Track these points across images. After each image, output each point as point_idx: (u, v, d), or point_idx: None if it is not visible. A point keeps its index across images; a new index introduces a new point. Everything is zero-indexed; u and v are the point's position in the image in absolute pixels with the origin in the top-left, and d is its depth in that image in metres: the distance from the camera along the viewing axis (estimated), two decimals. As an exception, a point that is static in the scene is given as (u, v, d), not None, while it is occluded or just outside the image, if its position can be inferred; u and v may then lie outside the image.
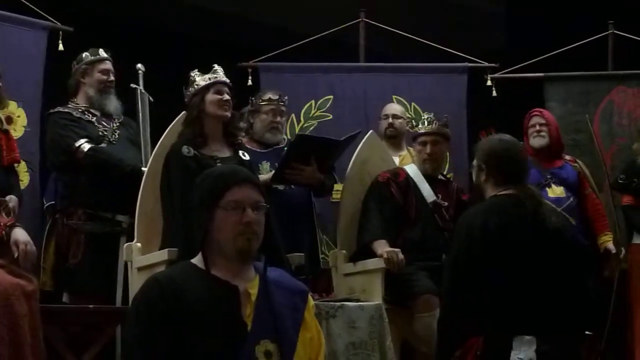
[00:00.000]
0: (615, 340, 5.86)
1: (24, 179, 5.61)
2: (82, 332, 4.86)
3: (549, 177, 6.04)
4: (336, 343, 4.79)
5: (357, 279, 5.40)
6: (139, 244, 4.93)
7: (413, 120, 6.09)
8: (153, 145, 5.28)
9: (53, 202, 5.76)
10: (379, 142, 5.97)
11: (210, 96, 4.86)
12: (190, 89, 4.91)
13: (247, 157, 4.96)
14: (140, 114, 5.54)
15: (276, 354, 2.89)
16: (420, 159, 5.65)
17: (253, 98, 5.79)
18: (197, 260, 2.99)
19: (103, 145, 5.35)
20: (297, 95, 6.58)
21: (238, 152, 4.95)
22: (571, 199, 6.03)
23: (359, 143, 5.75)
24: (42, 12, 6.07)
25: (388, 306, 5.14)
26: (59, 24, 6.15)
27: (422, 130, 5.63)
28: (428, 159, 5.61)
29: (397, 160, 6.03)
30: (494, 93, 6.90)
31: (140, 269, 4.87)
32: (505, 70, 7.00)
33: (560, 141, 6.27)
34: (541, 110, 6.37)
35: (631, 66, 6.86)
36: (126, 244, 5.04)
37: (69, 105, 5.46)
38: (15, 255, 4.22)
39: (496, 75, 6.96)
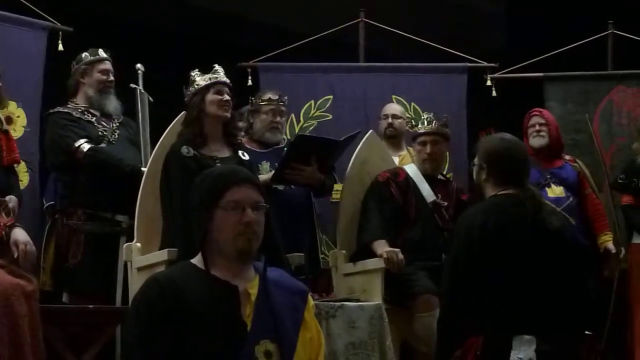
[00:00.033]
0: (615, 340, 5.86)
1: (24, 179, 5.61)
2: (82, 332, 4.86)
3: (548, 177, 6.04)
4: (336, 343, 4.79)
5: (357, 279, 5.40)
6: (138, 244, 4.93)
7: (413, 120, 6.09)
8: (153, 145, 5.28)
9: (53, 202, 5.76)
10: (378, 142, 5.97)
11: (211, 96, 4.85)
12: (191, 88, 4.90)
13: (246, 157, 4.96)
14: (140, 114, 5.54)
15: (276, 354, 2.89)
16: (419, 158, 5.65)
17: (253, 98, 5.79)
18: (196, 260, 2.99)
19: (103, 145, 5.35)
20: (296, 95, 6.58)
21: (238, 152, 4.95)
22: (571, 198, 6.03)
23: (359, 143, 5.75)
24: (41, 12, 6.07)
25: (388, 306, 5.14)
26: (58, 24, 6.15)
27: (421, 130, 5.63)
28: (428, 159, 5.61)
29: (396, 160, 6.03)
30: (494, 93, 6.90)
31: (140, 269, 4.87)
32: (505, 70, 7.00)
33: (560, 141, 6.27)
34: (541, 110, 6.37)
35: (631, 66, 6.87)
36: (126, 244, 5.04)
37: (69, 106, 5.46)
38: (15, 255, 4.22)
39: (496, 75, 6.96)
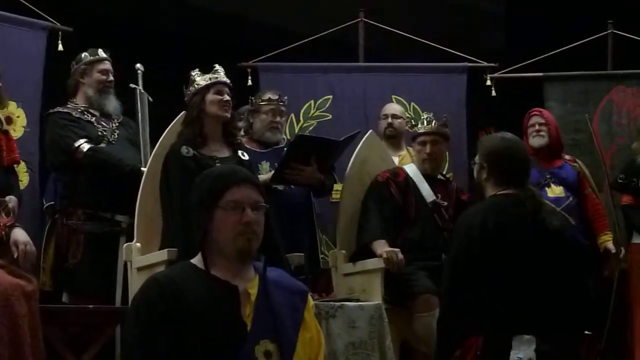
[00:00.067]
0: (615, 340, 5.86)
1: (24, 179, 5.61)
2: (82, 332, 4.86)
3: (548, 176, 6.04)
4: (336, 343, 4.79)
5: (356, 279, 5.40)
6: (138, 244, 4.93)
7: (412, 120, 6.09)
8: (152, 145, 5.28)
9: (52, 202, 5.75)
10: (378, 142, 5.97)
11: (211, 96, 4.85)
12: (191, 88, 4.90)
13: (246, 157, 4.96)
14: (140, 114, 5.54)
15: (276, 354, 2.89)
16: (419, 158, 5.65)
17: (253, 98, 5.79)
18: (196, 260, 2.99)
19: (102, 145, 5.35)
20: (296, 95, 6.58)
21: (237, 152, 4.95)
22: (571, 198, 6.03)
23: (359, 143, 5.75)
24: (41, 13, 6.07)
25: (388, 306, 5.15)
26: (58, 24, 6.14)
27: (421, 130, 5.63)
28: (427, 159, 5.61)
29: (396, 160, 6.03)
30: (494, 93, 6.90)
31: (139, 269, 4.87)
32: (505, 70, 7.00)
33: (560, 141, 6.27)
34: (540, 109, 6.37)
35: (630, 66, 6.87)
36: (126, 244, 5.04)
37: (68, 106, 5.46)
38: (15, 255, 4.22)
39: (496, 75, 6.96)
